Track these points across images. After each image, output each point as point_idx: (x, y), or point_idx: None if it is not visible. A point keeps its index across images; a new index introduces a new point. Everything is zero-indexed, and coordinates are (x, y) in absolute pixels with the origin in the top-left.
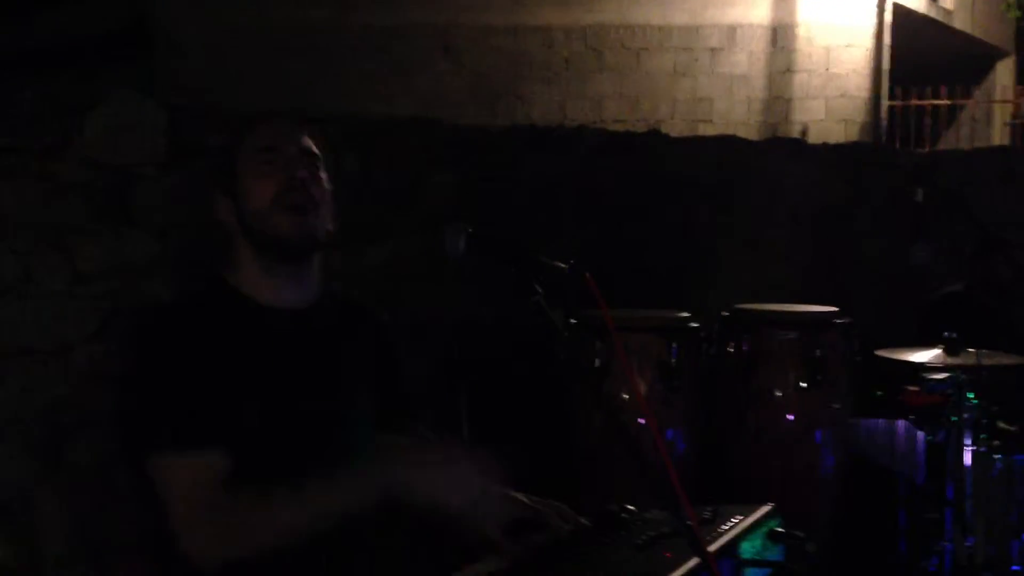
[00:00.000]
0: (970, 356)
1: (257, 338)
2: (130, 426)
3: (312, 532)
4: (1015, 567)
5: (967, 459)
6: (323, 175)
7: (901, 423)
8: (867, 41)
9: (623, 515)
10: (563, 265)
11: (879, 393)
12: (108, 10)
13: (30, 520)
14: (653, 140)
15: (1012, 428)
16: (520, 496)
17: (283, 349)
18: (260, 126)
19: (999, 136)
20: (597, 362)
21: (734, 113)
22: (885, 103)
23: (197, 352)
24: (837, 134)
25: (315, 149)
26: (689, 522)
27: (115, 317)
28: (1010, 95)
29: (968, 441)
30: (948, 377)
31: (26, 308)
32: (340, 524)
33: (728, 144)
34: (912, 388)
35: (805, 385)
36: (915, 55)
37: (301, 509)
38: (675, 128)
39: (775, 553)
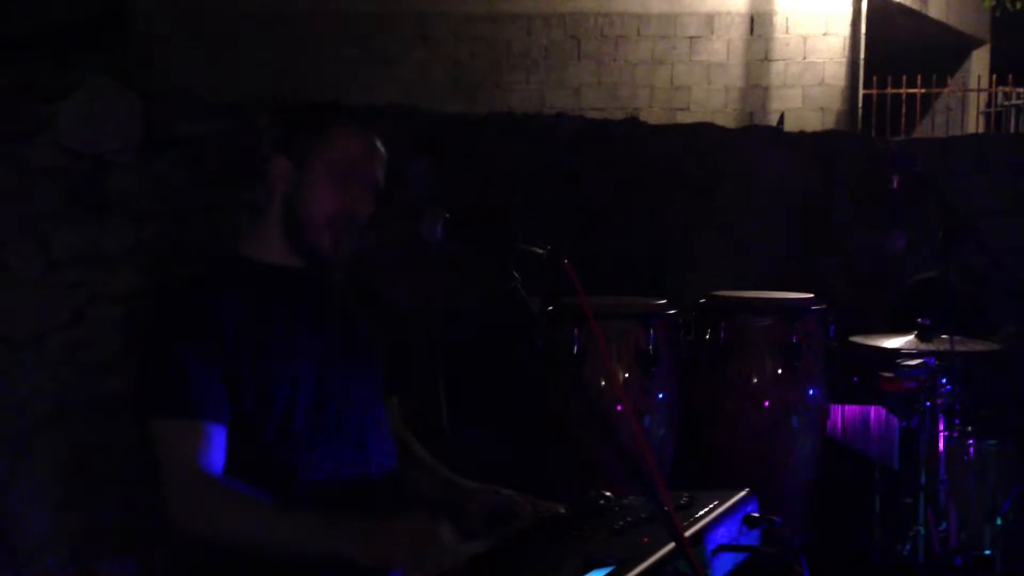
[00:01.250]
0: (943, 342)
1: (273, 294)
2: (136, 393)
3: (263, 554)
4: (988, 551)
5: (941, 444)
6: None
7: (876, 409)
8: (844, 30)
9: (601, 501)
10: (541, 251)
11: (854, 379)
12: None
13: (3, 508)
14: (631, 128)
15: (985, 413)
16: (490, 490)
17: (299, 301)
18: (346, 132)
19: (974, 125)
20: (575, 348)
21: (711, 101)
22: (861, 91)
23: (208, 319)
24: (814, 122)
25: (381, 177)
26: (666, 507)
27: (90, 305)
28: (985, 84)
29: (942, 426)
30: (922, 363)
31: None
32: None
33: (705, 132)
34: (887, 374)
35: (781, 371)
36: (891, 44)
37: (269, 530)
38: (653, 116)
39: (751, 538)
